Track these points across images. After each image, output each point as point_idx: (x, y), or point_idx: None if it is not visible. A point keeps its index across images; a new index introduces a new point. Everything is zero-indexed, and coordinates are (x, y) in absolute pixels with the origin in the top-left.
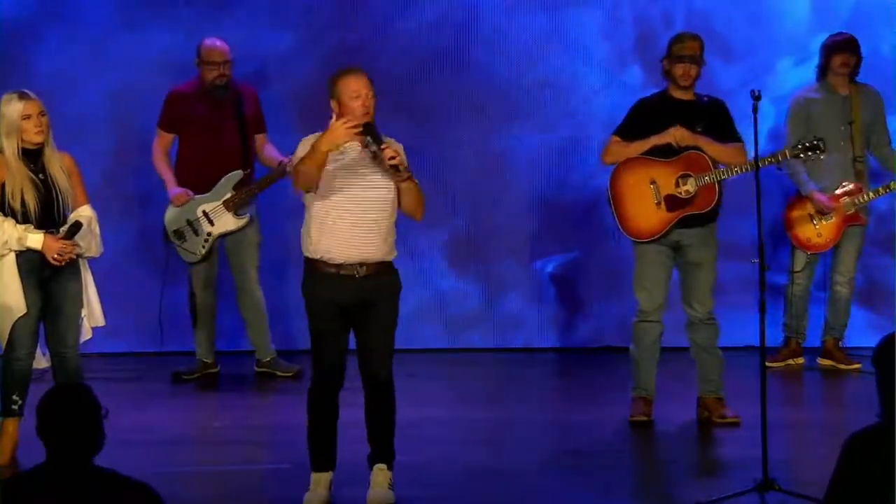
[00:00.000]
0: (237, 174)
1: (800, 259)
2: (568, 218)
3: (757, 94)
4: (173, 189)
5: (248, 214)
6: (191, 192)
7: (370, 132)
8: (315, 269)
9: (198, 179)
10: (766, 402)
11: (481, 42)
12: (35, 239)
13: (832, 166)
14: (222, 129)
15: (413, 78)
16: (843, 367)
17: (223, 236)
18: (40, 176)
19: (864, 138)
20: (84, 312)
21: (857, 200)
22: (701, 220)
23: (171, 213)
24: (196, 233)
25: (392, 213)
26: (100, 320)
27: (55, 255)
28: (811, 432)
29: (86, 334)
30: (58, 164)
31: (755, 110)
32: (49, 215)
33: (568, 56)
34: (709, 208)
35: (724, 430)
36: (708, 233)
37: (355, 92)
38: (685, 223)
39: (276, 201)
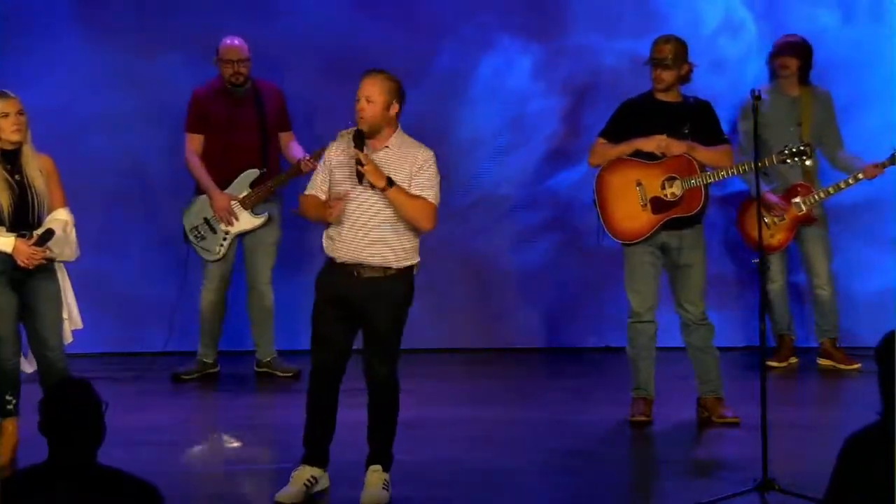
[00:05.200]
0: (253, 172)
1: (772, 258)
2: (567, 216)
3: (756, 94)
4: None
5: (265, 213)
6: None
7: (357, 140)
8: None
9: (218, 177)
10: (767, 402)
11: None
12: (5, 242)
13: (781, 167)
14: (241, 127)
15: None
16: (842, 367)
17: (241, 235)
18: (16, 177)
19: (815, 140)
20: (65, 315)
21: (807, 200)
22: (687, 223)
23: (188, 212)
24: (213, 230)
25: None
26: (77, 323)
27: (24, 260)
28: (811, 432)
29: (66, 338)
30: (36, 166)
31: (755, 110)
32: (23, 217)
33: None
34: (694, 211)
35: (724, 430)
36: (695, 234)
37: (357, 95)
38: (672, 225)
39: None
